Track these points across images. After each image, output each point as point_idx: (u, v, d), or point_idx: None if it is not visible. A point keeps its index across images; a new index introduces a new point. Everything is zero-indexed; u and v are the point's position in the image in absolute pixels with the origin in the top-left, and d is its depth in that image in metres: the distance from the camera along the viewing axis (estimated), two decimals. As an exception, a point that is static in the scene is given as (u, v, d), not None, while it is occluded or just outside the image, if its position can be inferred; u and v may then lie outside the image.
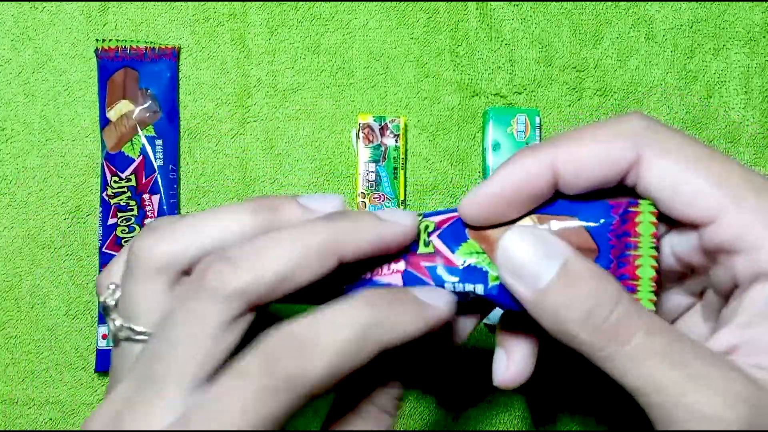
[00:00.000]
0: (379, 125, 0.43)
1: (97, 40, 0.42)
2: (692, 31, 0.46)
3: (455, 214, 0.27)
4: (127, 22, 0.43)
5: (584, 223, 0.25)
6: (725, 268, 0.24)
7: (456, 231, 0.26)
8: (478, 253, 0.25)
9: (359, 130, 0.43)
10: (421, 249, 0.26)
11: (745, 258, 0.23)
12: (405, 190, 0.44)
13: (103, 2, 0.43)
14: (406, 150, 0.44)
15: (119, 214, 0.41)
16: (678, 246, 0.26)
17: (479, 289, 0.25)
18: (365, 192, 0.42)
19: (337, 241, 0.24)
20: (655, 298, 0.24)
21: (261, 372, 0.21)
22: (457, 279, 0.25)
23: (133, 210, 0.41)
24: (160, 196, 0.42)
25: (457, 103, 0.45)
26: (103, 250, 0.41)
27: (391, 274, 0.26)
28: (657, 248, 0.24)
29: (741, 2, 0.46)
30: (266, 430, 0.21)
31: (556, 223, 0.25)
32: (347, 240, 0.24)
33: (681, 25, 0.46)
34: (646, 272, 0.24)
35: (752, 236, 0.22)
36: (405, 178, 0.44)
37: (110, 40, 0.42)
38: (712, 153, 0.23)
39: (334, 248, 0.24)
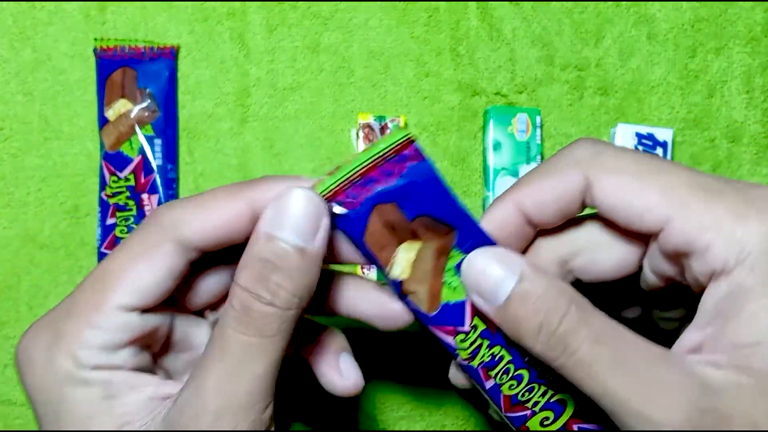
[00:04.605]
0: (380, 125, 0.42)
1: (95, 39, 0.42)
2: (694, 30, 0.46)
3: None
4: (125, 21, 0.43)
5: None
6: (688, 271, 0.25)
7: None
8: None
9: (359, 130, 0.42)
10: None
11: (698, 259, 0.23)
12: (405, 190, 0.43)
13: (101, 1, 0.43)
14: (406, 149, 0.44)
15: (118, 214, 0.41)
16: (649, 260, 0.27)
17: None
18: (365, 192, 0.42)
19: None
20: None
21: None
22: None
23: (131, 210, 0.41)
24: (159, 196, 0.41)
25: (457, 102, 0.44)
26: (102, 249, 0.41)
27: None
28: None
29: (742, 1, 0.46)
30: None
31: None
32: None
33: (682, 24, 0.46)
34: None
35: (700, 237, 0.23)
36: (405, 177, 0.43)
37: (109, 39, 0.42)
38: (660, 165, 0.25)
39: None
